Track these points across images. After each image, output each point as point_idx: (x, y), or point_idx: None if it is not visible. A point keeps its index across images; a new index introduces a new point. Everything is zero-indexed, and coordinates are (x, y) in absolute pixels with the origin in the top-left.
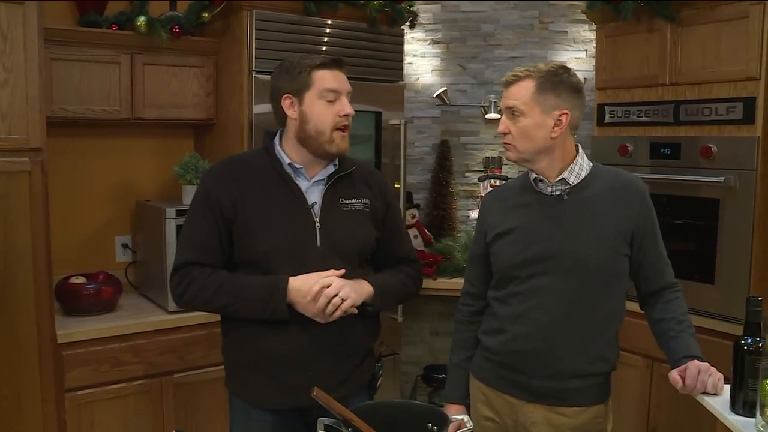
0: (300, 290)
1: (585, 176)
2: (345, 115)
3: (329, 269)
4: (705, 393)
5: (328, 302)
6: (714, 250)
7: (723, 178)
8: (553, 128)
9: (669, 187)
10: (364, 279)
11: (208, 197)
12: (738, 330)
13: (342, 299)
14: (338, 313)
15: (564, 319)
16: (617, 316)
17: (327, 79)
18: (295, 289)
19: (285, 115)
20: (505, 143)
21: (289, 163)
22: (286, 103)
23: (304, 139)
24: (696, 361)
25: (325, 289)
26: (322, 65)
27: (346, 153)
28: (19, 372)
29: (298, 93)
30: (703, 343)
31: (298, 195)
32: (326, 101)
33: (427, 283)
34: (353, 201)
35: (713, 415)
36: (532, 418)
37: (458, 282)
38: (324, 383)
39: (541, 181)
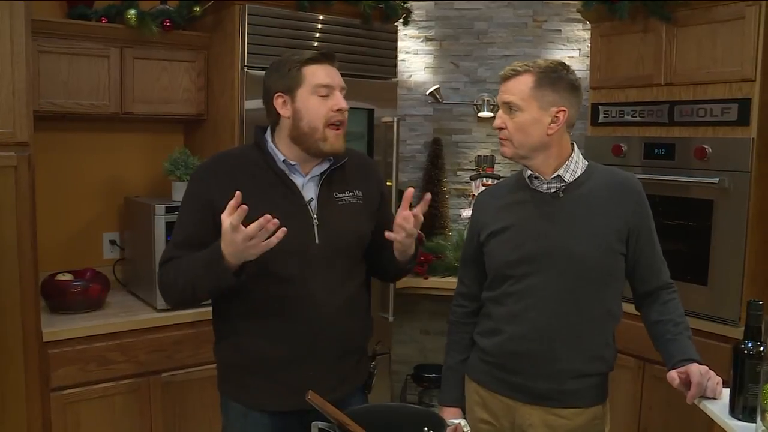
0: (224, 242)
1: (580, 174)
2: (338, 110)
3: (330, 267)
4: (704, 397)
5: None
6: (707, 252)
7: (717, 179)
8: (549, 125)
9: (662, 188)
10: None
11: (198, 196)
12: (730, 332)
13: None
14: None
15: (560, 318)
16: (614, 316)
17: (318, 74)
18: (223, 247)
19: (277, 116)
20: (501, 138)
21: (284, 160)
22: (278, 102)
23: (297, 138)
24: (696, 364)
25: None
26: (312, 60)
27: (341, 152)
28: (4, 371)
29: (290, 91)
30: (695, 345)
31: (294, 192)
32: (319, 96)
33: (418, 282)
34: (347, 194)
35: (707, 417)
36: (529, 420)
37: (449, 281)
38: (323, 384)
39: (536, 178)
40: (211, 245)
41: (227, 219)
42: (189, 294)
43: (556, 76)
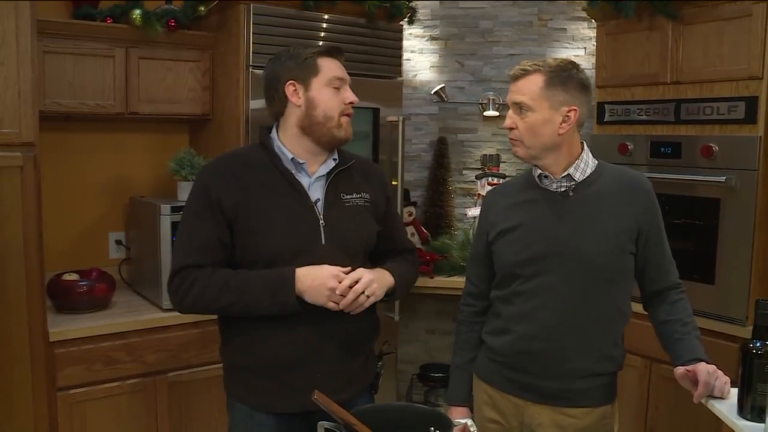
0: (309, 275)
1: (590, 173)
2: (350, 103)
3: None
4: (711, 396)
5: (356, 297)
6: (714, 251)
7: (724, 178)
8: (560, 124)
9: (669, 187)
10: (385, 269)
11: (207, 195)
12: (738, 331)
13: (368, 296)
14: (361, 309)
15: (570, 317)
16: (623, 315)
17: (332, 67)
18: (304, 275)
19: (285, 104)
20: (511, 139)
21: (292, 159)
22: (289, 89)
23: (310, 126)
24: (703, 363)
25: (355, 285)
26: (327, 52)
27: (350, 138)
28: (10, 371)
29: (304, 79)
30: (702, 345)
31: (301, 192)
32: (333, 88)
33: (424, 281)
34: (354, 196)
35: (714, 417)
36: (538, 420)
37: (455, 280)
38: (330, 385)
39: (545, 177)
40: (279, 273)
41: (336, 268)
42: (224, 311)
43: (566, 75)
